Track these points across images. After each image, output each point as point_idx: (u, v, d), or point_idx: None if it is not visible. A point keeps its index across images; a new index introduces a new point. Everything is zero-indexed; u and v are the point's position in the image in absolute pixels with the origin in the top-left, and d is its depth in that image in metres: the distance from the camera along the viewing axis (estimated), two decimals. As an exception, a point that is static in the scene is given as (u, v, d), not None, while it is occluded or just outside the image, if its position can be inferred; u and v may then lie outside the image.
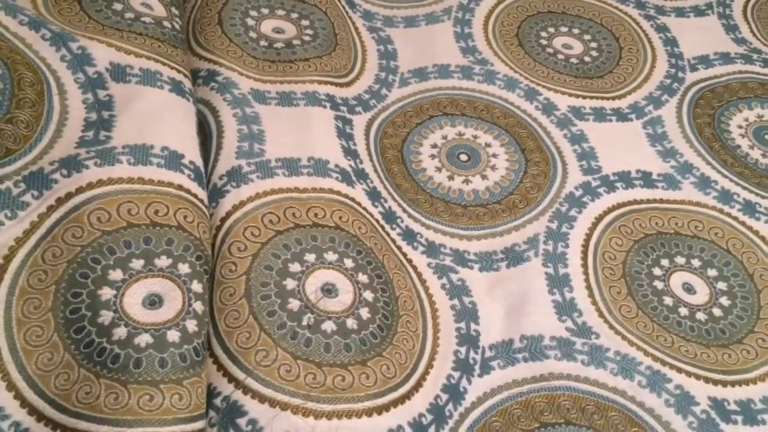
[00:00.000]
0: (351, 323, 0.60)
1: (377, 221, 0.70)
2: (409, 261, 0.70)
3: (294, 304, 0.60)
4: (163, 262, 0.57)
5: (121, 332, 0.52)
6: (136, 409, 0.50)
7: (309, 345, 0.58)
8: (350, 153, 0.75)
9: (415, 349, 0.63)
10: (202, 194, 0.64)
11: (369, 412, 0.57)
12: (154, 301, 0.55)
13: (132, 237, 0.57)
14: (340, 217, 0.67)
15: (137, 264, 0.56)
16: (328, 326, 0.60)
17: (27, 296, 0.54)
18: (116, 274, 0.55)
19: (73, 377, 0.51)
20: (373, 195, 0.73)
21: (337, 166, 0.72)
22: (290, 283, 0.61)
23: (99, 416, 0.49)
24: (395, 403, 0.59)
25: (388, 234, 0.70)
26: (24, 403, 0.50)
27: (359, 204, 0.70)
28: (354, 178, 0.72)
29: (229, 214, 0.65)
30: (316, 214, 0.66)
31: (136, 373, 0.51)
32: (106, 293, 0.54)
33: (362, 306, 0.62)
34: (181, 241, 0.58)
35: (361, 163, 0.75)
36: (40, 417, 0.50)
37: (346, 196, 0.69)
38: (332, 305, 0.61)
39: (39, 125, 0.61)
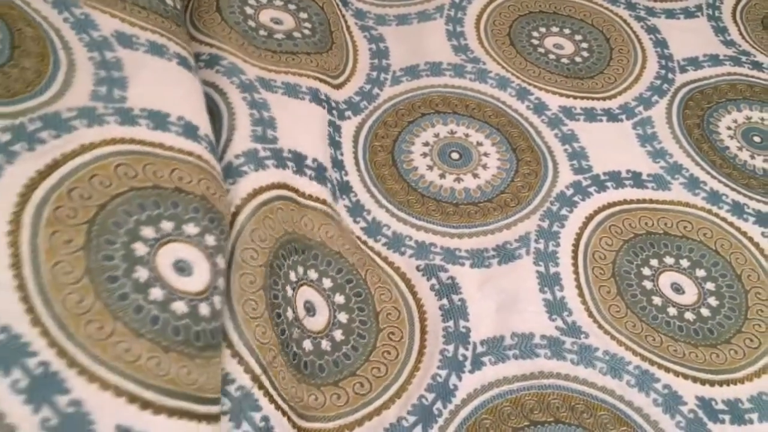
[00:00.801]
0: (325, 345, 0.61)
1: (358, 238, 0.71)
2: (397, 269, 0.69)
3: (290, 313, 0.60)
4: (191, 229, 0.54)
5: (157, 294, 0.49)
6: (177, 379, 0.47)
7: (294, 359, 0.59)
8: (337, 164, 0.75)
9: (399, 358, 0.63)
10: (219, 168, 0.62)
11: (340, 430, 0.58)
12: (182, 268, 0.52)
13: (160, 198, 0.53)
14: (327, 232, 0.67)
15: (167, 226, 0.52)
16: (307, 345, 0.60)
17: (55, 228, 0.48)
18: (149, 232, 0.51)
19: (108, 329, 0.46)
20: (355, 210, 0.73)
21: (330, 175, 0.72)
22: (289, 291, 0.61)
23: (142, 379, 0.45)
24: (370, 416, 0.60)
25: (372, 248, 0.70)
26: (53, 343, 0.45)
27: (342, 220, 0.70)
28: (338, 193, 0.72)
29: (249, 198, 0.63)
30: (305, 224, 0.66)
31: (175, 341, 0.48)
32: (140, 249, 0.50)
33: (336, 328, 0.63)
34: (206, 212, 0.56)
35: (347, 174, 0.75)
36: (72, 363, 0.44)
37: (333, 209, 0.70)
38: (312, 324, 0.62)
39: (47, 73, 0.58)
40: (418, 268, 0.70)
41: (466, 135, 0.81)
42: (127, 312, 0.47)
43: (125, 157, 0.55)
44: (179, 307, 0.49)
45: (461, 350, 0.64)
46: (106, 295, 0.47)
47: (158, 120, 0.59)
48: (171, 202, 0.54)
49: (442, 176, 0.77)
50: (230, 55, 0.75)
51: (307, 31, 0.83)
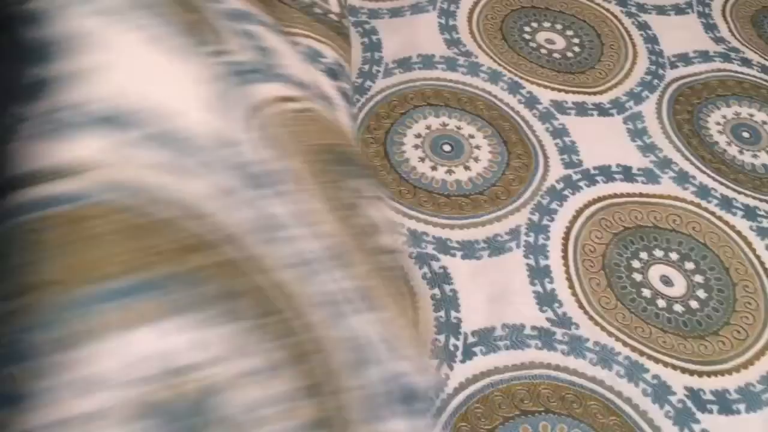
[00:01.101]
0: None
1: None
2: None
3: None
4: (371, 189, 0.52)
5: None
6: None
7: None
8: None
9: None
10: None
11: None
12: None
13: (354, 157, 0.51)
14: None
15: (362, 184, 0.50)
16: None
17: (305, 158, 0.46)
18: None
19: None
20: None
21: None
22: None
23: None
24: None
25: None
26: None
27: None
28: None
29: None
30: None
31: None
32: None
33: None
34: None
35: None
36: None
37: None
38: None
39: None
40: (410, 256, 0.70)
41: (458, 128, 0.81)
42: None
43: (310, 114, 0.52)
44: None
45: (452, 340, 0.65)
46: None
47: (304, 88, 0.56)
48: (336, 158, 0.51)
49: (433, 168, 0.78)
50: (304, 38, 0.71)
51: (339, 17, 0.80)
